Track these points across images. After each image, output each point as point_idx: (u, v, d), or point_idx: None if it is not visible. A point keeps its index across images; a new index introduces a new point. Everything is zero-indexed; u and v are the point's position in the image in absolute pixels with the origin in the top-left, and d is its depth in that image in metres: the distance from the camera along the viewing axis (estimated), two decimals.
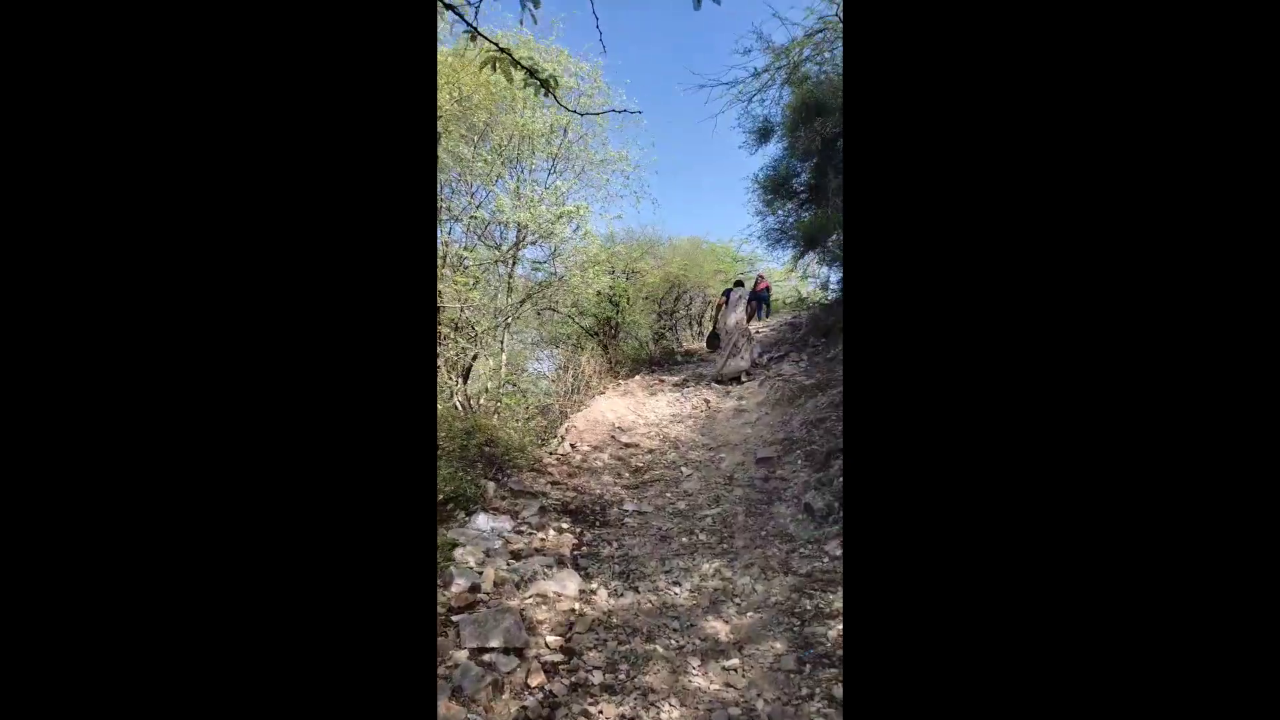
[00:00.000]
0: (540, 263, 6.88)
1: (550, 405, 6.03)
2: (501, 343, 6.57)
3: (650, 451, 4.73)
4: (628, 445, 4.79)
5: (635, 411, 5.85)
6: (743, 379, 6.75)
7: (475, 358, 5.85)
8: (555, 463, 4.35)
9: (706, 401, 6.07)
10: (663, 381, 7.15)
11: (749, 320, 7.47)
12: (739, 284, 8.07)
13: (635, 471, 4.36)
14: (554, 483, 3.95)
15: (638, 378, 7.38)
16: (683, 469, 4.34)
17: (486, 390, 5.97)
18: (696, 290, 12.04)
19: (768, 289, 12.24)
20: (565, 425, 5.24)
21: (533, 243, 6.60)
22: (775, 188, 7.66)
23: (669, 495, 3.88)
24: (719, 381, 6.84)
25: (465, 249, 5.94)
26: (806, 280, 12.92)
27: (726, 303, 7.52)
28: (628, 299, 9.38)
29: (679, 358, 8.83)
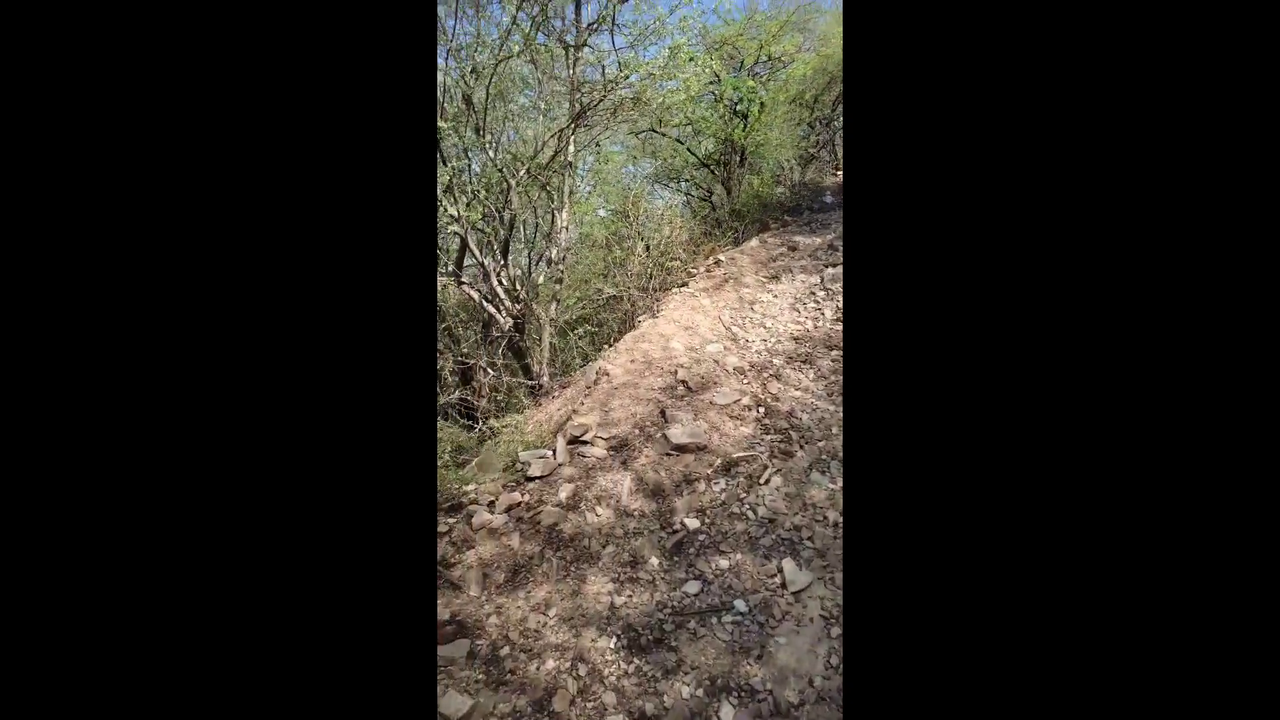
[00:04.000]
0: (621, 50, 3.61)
1: (603, 319, 3.39)
2: (562, 185, 3.53)
3: (725, 470, 2.08)
4: (678, 449, 2.17)
5: (729, 328, 3.06)
6: None
7: (511, 218, 3.13)
8: (503, 524, 1.93)
9: None
10: (795, 250, 4.07)
11: None
12: None
13: (671, 549, 1.81)
14: (452, 622, 1.58)
15: (755, 241, 4.35)
16: (778, 532, 1.69)
17: (533, 278, 3.48)
18: None
19: None
20: (592, 372, 2.71)
21: (594, 27, 3.43)
22: None
23: (711, 654, 1.34)
24: None
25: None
26: None
27: None
28: (760, 106, 5.82)
29: (828, 196, 5.39)
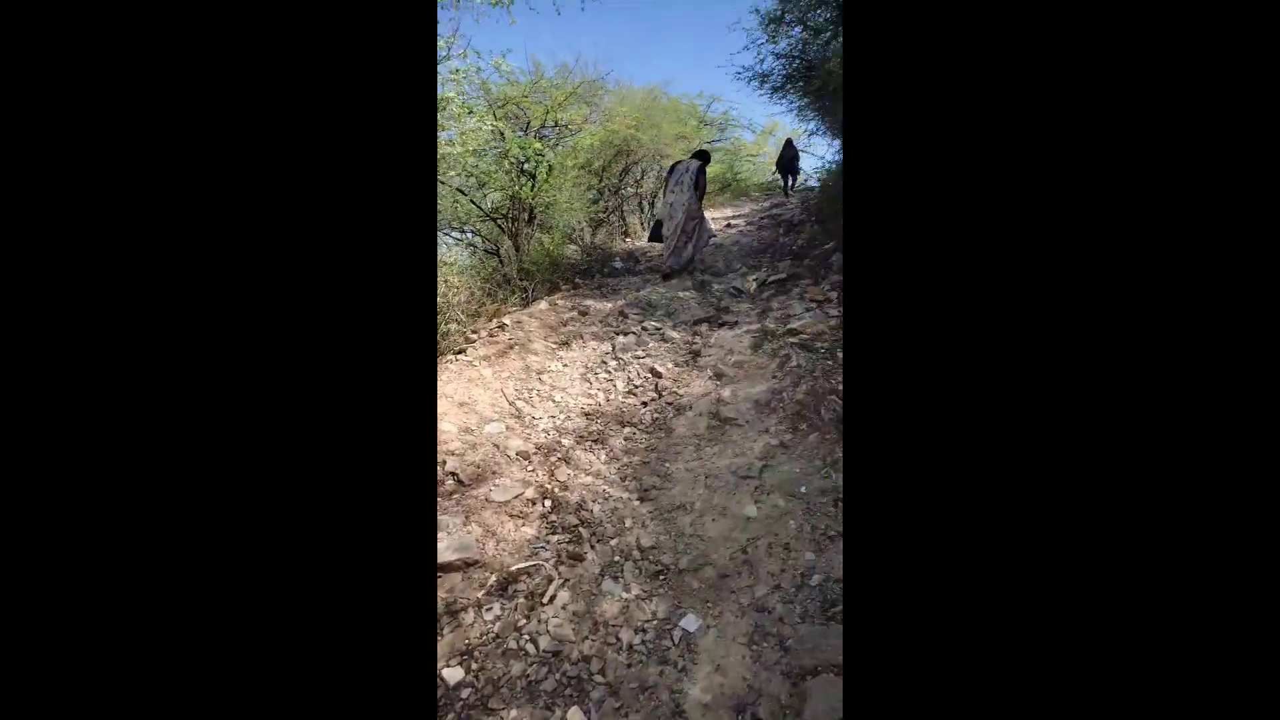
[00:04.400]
0: None
1: None
2: None
3: (501, 590, 1.69)
4: (441, 568, 1.72)
5: (513, 403, 2.72)
6: (667, 276, 4.65)
7: None
8: None
9: (655, 374, 3.00)
10: (585, 314, 3.96)
11: (700, 201, 4.71)
12: (700, 155, 4.92)
13: None
14: None
15: (544, 304, 4.14)
16: (564, 668, 1.36)
17: None
18: (652, 160, 8.31)
19: (796, 156, 8.72)
20: None
21: None
22: None
23: None
24: (666, 276, 4.63)
25: None
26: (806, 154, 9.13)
27: (670, 177, 4.77)
28: (548, 168, 5.80)
29: (618, 262, 5.54)
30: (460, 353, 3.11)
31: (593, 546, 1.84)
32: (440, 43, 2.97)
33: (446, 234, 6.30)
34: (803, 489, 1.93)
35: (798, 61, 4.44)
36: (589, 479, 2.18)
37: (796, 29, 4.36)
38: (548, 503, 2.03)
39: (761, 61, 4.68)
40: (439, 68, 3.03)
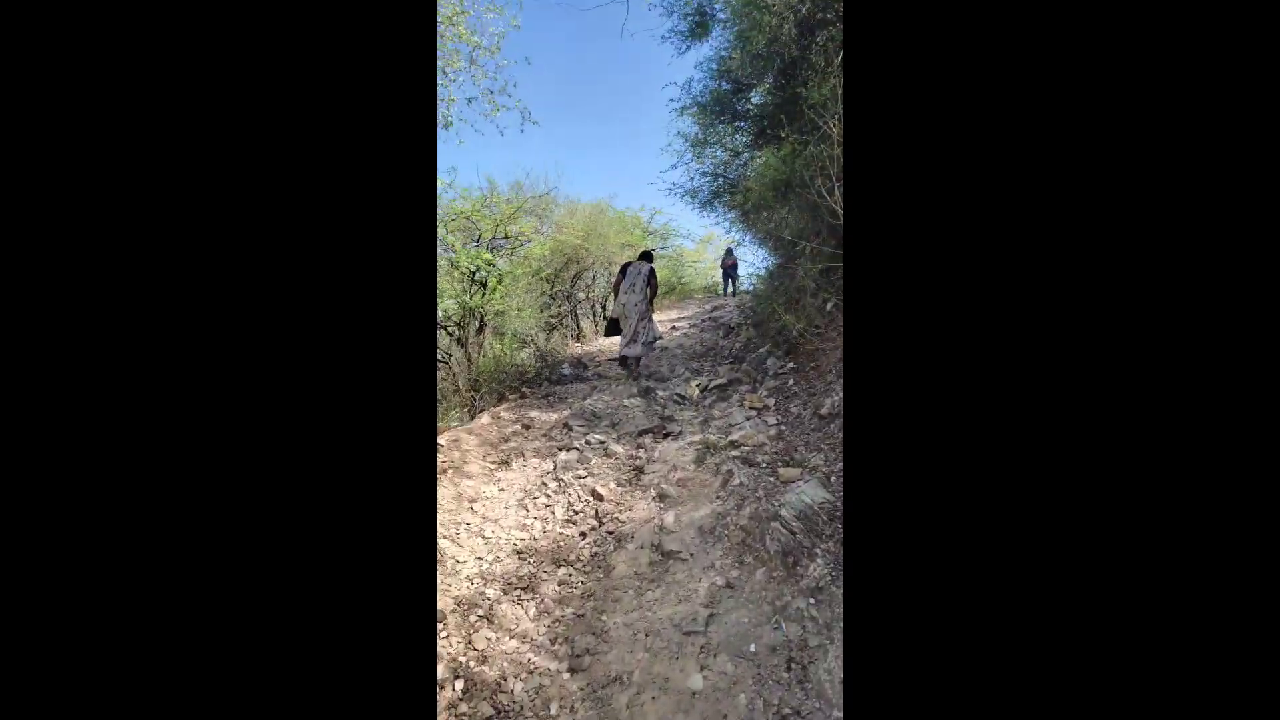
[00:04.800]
0: None
1: None
2: None
3: None
4: None
5: (439, 539, 2.41)
6: (624, 362, 4.89)
7: None
8: None
9: (597, 496, 2.76)
10: (529, 428, 3.74)
11: (651, 299, 4.94)
12: (645, 256, 5.20)
13: None
14: None
15: (486, 418, 3.92)
16: None
17: None
18: (601, 266, 8.54)
19: (735, 264, 9.42)
20: None
21: None
22: (712, 109, 4.34)
23: None
24: (623, 364, 4.93)
25: None
26: (740, 263, 9.74)
27: (623, 278, 5.03)
28: (499, 277, 5.82)
29: (566, 368, 5.42)
30: None
31: None
32: None
33: None
34: (752, 648, 1.68)
35: (721, 179, 4.72)
36: (513, 644, 1.87)
37: (719, 149, 4.67)
38: (459, 684, 1.70)
39: (691, 179, 4.97)
40: None
